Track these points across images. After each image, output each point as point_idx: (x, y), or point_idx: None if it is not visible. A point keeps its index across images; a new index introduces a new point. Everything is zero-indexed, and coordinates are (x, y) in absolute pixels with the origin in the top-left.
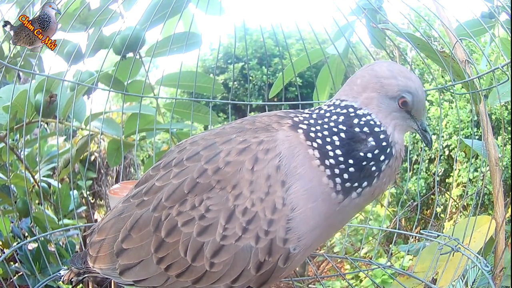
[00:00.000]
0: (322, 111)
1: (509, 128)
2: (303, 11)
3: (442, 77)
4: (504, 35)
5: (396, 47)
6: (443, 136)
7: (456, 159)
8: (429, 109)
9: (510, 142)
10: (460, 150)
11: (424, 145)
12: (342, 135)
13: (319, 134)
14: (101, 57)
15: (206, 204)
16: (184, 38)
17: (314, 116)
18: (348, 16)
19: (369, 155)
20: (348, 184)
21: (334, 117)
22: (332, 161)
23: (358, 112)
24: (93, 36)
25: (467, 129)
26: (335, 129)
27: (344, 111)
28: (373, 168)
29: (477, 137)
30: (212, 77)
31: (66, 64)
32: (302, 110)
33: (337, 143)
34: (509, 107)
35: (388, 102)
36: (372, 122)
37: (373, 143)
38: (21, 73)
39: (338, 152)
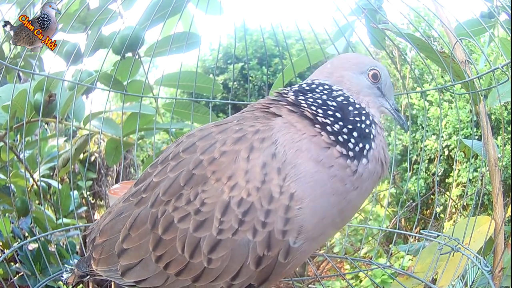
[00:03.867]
0: (302, 88)
1: (509, 128)
2: (303, 11)
3: (442, 77)
4: (503, 35)
5: (396, 47)
6: (442, 136)
7: (455, 159)
8: (428, 109)
9: (509, 142)
10: (460, 150)
11: (400, 127)
12: (332, 103)
13: (316, 105)
14: (100, 57)
15: (202, 197)
16: (184, 38)
17: (300, 92)
18: (348, 16)
19: (357, 118)
20: (357, 148)
21: (316, 91)
22: (337, 126)
23: (333, 87)
24: (93, 36)
25: (467, 129)
26: (321, 101)
27: (321, 87)
28: (367, 130)
29: (476, 137)
30: (212, 77)
31: (65, 64)
32: (286, 91)
33: (332, 108)
34: (508, 107)
35: (359, 78)
36: (346, 95)
37: (356, 111)
38: (21, 73)
39: (338, 115)
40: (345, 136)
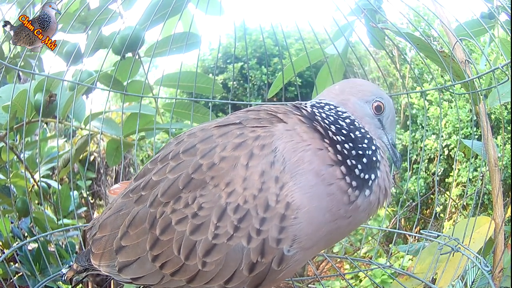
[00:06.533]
0: (314, 105)
1: (509, 128)
2: (303, 11)
3: (442, 76)
4: (503, 35)
5: (396, 47)
6: (442, 136)
7: (455, 159)
8: (428, 109)
9: (509, 142)
10: (460, 150)
11: (393, 164)
12: (342, 123)
13: (328, 121)
14: (100, 57)
15: (199, 201)
16: (184, 38)
17: (315, 107)
18: (347, 15)
19: (365, 144)
20: (362, 175)
21: (325, 109)
22: (346, 147)
23: (338, 109)
24: (93, 36)
25: (467, 128)
26: (333, 118)
27: (327, 107)
28: (374, 158)
29: (476, 136)
30: (212, 77)
31: (65, 64)
32: (305, 105)
33: (345, 128)
34: (508, 106)
35: (363, 106)
36: (351, 118)
37: (359, 134)
38: (21, 73)
39: (350, 136)
40: (353, 161)
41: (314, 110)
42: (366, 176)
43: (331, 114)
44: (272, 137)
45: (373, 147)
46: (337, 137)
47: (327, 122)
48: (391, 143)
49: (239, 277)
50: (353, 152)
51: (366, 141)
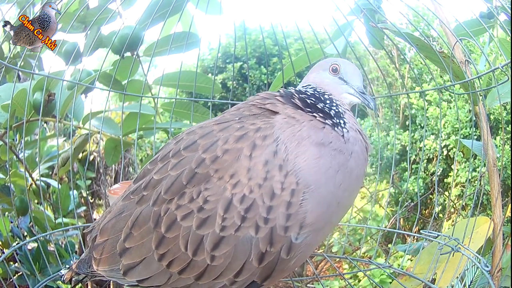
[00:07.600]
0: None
1: (508, 128)
2: (303, 11)
3: (441, 77)
4: (502, 35)
5: (395, 47)
6: (441, 136)
7: (454, 159)
8: (427, 109)
9: (509, 142)
10: (459, 150)
11: (367, 108)
12: (306, 91)
13: (298, 93)
14: (99, 56)
15: (204, 195)
16: (184, 38)
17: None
18: (347, 15)
19: (328, 101)
20: (336, 119)
21: (291, 88)
22: (321, 105)
23: (302, 86)
24: (92, 36)
25: (466, 128)
26: (298, 90)
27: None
28: (337, 109)
29: (475, 137)
30: (211, 77)
31: (65, 64)
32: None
33: (309, 93)
34: (507, 107)
35: (322, 73)
36: (313, 87)
37: (319, 95)
38: (20, 73)
39: (319, 100)
40: (327, 108)
41: (286, 91)
42: (339, 121)
43: (297, 89)
44: (273, 128)
45: (334, 104)
46: (311, 99)
47: (299, 93)
48: (359, 91)
49: (249, 269)
50: (325, 106)
51: (328, 99)
